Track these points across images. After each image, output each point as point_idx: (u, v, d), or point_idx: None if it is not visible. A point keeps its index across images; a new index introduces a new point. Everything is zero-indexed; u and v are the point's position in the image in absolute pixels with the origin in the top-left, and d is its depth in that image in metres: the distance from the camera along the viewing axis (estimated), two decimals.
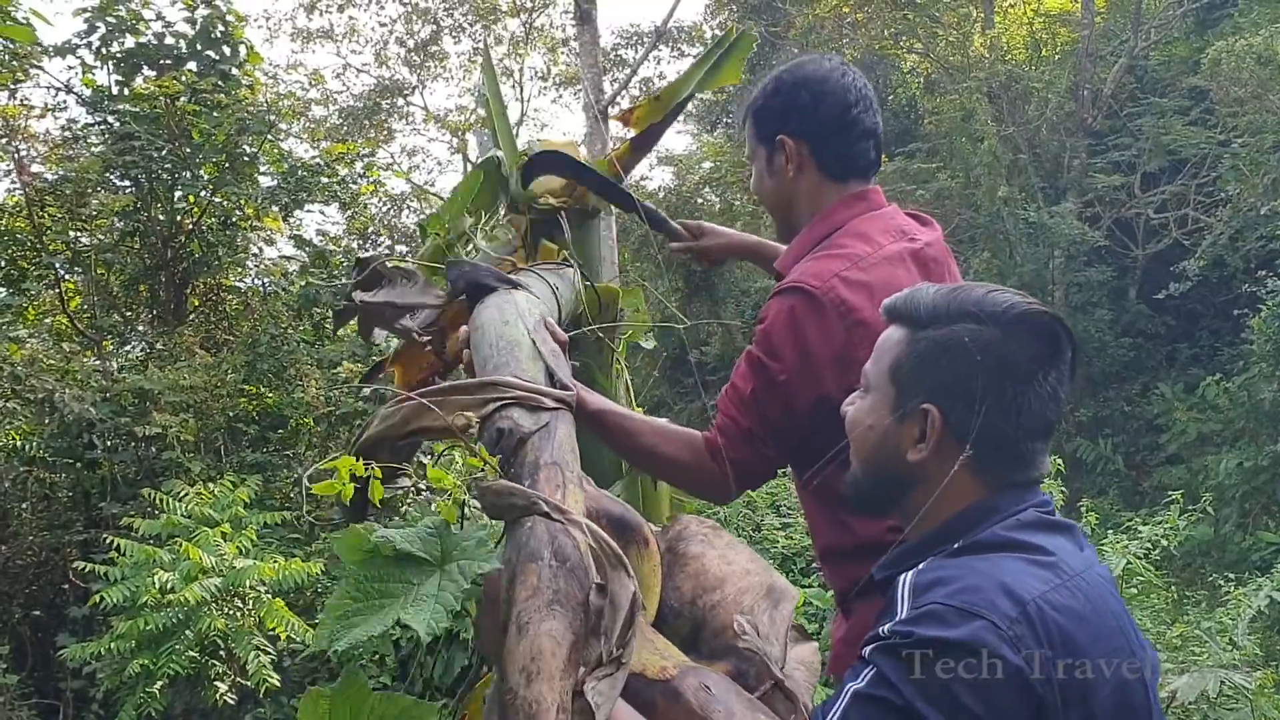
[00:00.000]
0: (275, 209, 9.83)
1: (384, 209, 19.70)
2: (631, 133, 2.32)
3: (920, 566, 1.35)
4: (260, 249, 10.38)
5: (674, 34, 20.35)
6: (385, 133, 21.72)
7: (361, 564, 1.35)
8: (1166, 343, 14.47)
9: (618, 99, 17.28)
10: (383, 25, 22.59)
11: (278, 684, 5.64)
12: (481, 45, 21.08)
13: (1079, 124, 15.29)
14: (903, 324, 1.46)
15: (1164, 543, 6.73)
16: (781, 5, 17.84)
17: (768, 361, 1.87)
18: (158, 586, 5.53)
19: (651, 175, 24.61)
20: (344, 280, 9.34)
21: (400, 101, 22.04)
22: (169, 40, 9.41)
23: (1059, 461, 6.16)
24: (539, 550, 1.28)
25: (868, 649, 1.27)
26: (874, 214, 2.03)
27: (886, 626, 1.27)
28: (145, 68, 9.46)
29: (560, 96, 23.20)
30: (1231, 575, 8.16)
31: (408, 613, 1.29)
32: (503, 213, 2.32)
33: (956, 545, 1.37)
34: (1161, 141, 14.12)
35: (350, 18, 24.54)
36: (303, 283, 9.57)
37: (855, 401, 1.52)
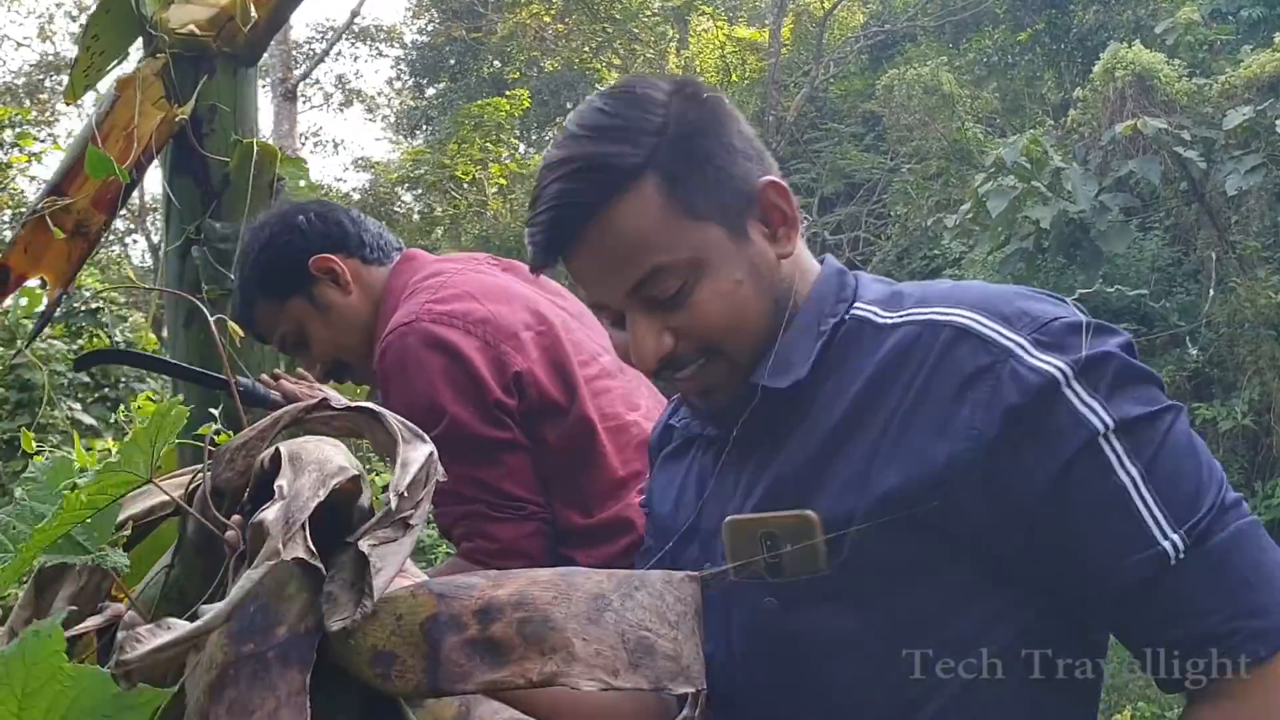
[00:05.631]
0: None
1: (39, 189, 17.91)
2: None
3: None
4: None
5: (373, 33, 19.80)
6: (50, 113, 19.82)
7: None
8: None
9: (305, 84, 16.54)
10: None
11: None
12: None
13: (765, 148, 15.96)
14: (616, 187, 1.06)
15: None
16: (483, 11, 17.67)
17: (444, 433, 1.55)
18: None
19: (345, 178, 23.82)
20: None
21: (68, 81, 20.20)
22: None
23: None
24: None
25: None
26: (430, 262, 1.87)
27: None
28: None
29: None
30: None
31: None
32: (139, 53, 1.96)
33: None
34: (838, 166, 14.97)
35: None
36: None
37: (673, 316, 1.08)
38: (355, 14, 17.18)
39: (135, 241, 18.66)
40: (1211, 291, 8.73)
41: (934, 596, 1.00)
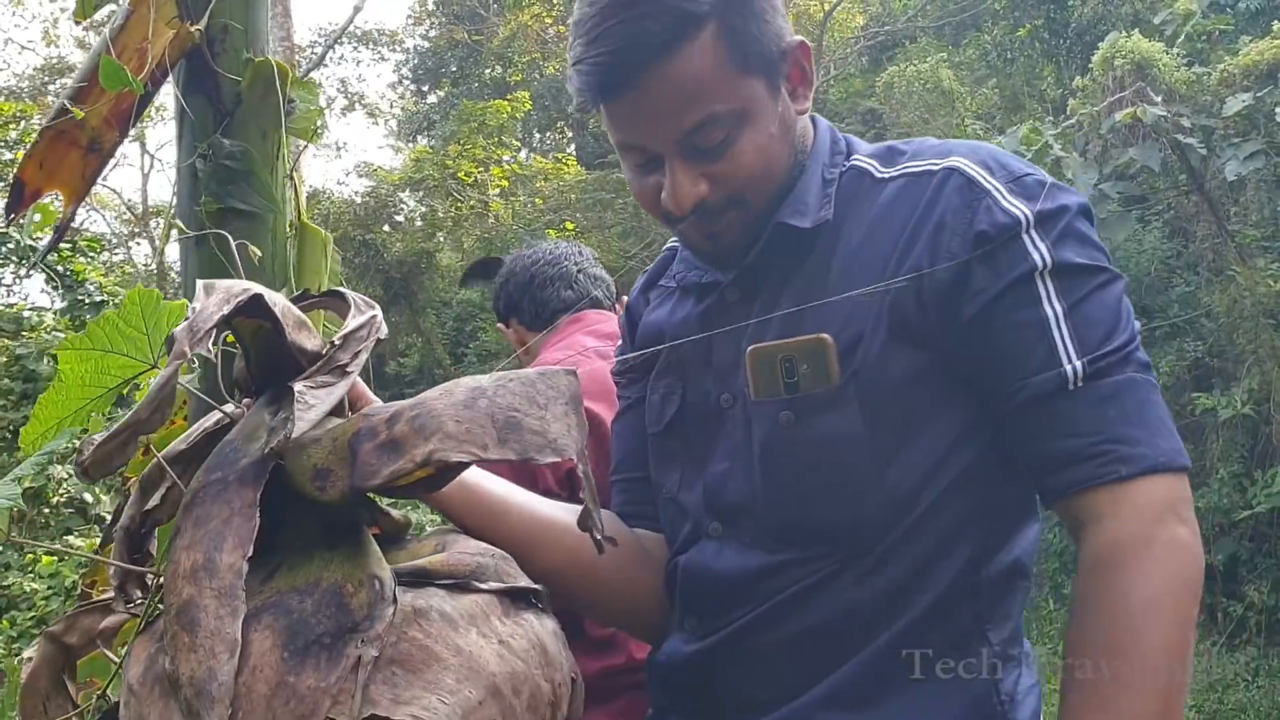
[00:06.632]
0: None
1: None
2: None
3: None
4: None
5: (375, 36, 19.88)
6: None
7: None
8: None
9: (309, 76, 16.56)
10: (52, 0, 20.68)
11: None
12: None
13: None
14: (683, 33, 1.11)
15: None
16: (484, 14, 17.75)
17: None
18: None
19: (347, 181, 23.88)
20: None
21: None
22: None
23: None
24: None
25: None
26: (572, 333, 2.07)
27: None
28: None
29: None
30: None
31: None
32: None
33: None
34: None
35: None
36: None
37: (694, 169, 1.16)
38: (359, 8, 17.26)
39: (139, 244, 18.73)
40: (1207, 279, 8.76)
41: (921, 401, 1.15)
